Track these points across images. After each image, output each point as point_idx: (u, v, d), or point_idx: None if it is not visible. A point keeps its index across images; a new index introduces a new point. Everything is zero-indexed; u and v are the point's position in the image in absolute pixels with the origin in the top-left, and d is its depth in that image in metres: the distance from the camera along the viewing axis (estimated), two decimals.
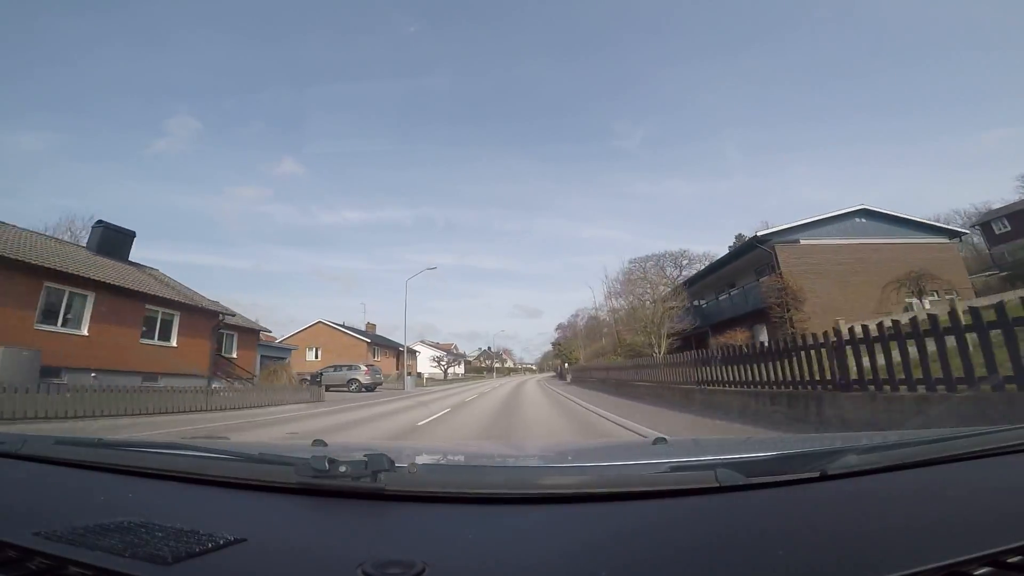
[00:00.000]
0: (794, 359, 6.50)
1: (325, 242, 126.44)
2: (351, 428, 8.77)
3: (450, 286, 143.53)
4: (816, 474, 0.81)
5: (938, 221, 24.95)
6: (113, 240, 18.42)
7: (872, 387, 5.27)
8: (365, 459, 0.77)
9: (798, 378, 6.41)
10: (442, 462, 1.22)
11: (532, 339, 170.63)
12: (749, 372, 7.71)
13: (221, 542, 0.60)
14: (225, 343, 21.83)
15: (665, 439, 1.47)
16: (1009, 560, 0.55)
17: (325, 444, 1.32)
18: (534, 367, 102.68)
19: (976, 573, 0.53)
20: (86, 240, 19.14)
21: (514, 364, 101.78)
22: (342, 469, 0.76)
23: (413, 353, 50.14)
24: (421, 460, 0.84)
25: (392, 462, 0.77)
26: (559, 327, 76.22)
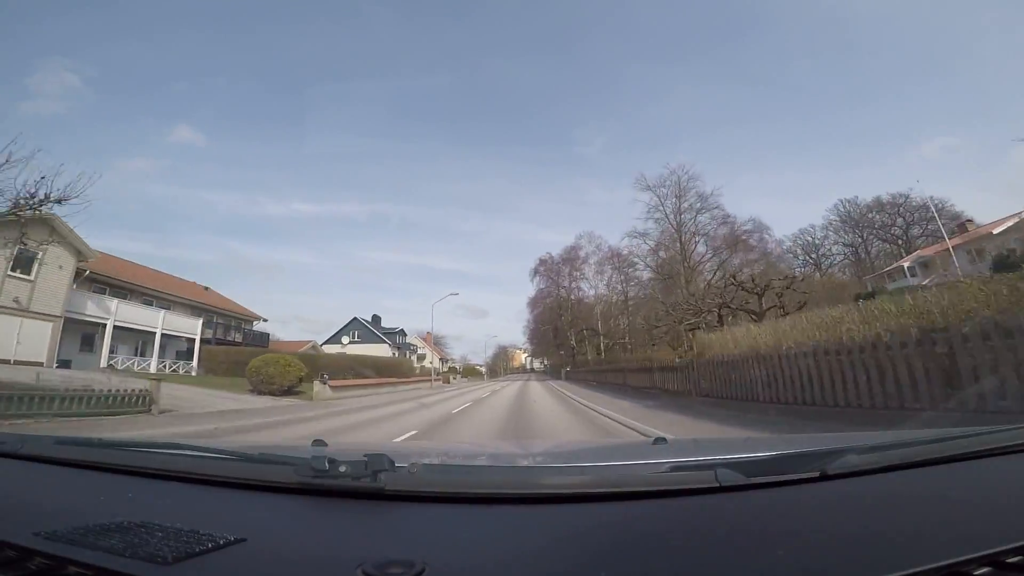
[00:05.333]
0: None
1: (258, 233, 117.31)
2: None
3: (402, 285, 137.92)
4: (816, 474, 0.80)
5: None
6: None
7: None
8: (365, 459, 0.77)
9: None
10: (442, 462, 1.22)
11: (479, 341, 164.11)
12: None
13: (221, 542, 0.60)
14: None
15: (665, 439, 1.47)
16: (1009, 560, 0.55)
17: (325, 444, 1.32)
18: (482, 368, 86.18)
19: (976, 573, 0.53)
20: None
21: (444, 360, 69.65)
22: (342, 469, 0.76)
23: None
24: (421, 460, 0.84)
25: (392, 462, 0.77)
26: (535, 295, 49.99)
